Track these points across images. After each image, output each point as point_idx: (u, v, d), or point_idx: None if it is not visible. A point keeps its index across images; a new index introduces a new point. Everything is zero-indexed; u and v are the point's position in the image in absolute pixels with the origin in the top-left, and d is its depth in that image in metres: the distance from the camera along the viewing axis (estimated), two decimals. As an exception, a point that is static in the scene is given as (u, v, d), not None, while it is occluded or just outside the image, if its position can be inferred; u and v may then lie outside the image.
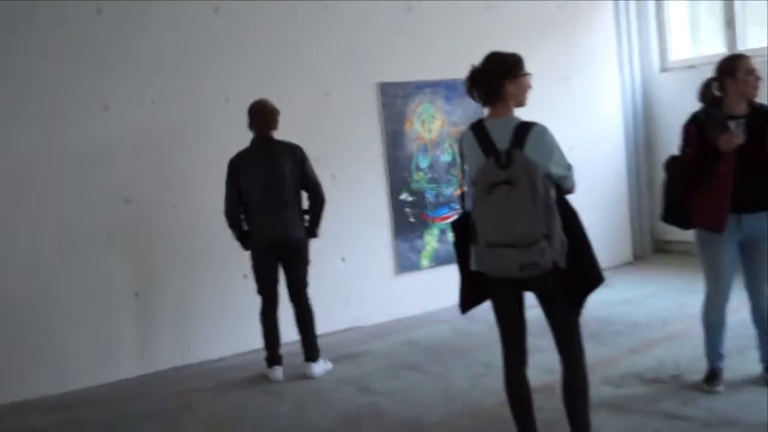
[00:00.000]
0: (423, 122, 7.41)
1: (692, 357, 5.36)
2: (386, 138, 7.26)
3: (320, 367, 5.84)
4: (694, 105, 8.25)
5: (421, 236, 7.43)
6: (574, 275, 3.66)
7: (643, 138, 8.87)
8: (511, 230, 3.51)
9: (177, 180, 6.46)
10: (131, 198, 6.29)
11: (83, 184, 6.11)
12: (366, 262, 7.20)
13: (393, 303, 7.32)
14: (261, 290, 5.87)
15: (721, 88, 4.63)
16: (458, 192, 4.05)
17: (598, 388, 4.84)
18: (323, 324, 6.32)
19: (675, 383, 5.00)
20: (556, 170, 3.64)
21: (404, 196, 7.35)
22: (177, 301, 6.49)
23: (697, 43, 8.84)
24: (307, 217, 5.80)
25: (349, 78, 7.09)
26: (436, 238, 7.50)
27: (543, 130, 3.65)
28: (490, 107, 3.76)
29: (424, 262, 7.47)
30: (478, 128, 3.74)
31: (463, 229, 3.81)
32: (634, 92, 8.83)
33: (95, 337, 6.19)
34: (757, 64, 4.68)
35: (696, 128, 4.62)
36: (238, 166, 5.70)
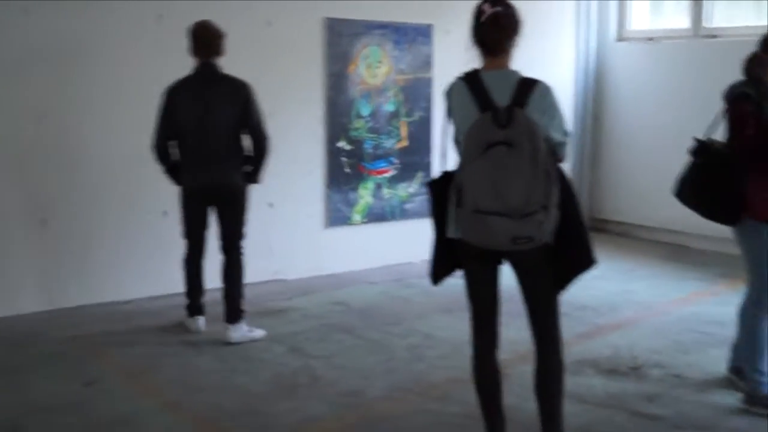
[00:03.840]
0: (368, 66, 6.87)
1: (648, 348, 5.14)
2: (328, 79, 6.68)
3: (241, 331, 5.18)
4: (650, 78, 8.21)
5: (355, 189, 6.93)
6: (565, 254, 3.32)
7: (591, 110, 8.57)
8: (506, 197, 3.11)
9: (98, 101, 5.77)
10: (45, 115, 5.57)
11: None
12: (294, 210, 6.66)
13: (319, 258, 6.82)
14: (186, 234, 5.29)
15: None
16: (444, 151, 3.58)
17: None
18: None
19: (635, 376, 4.71)
20: (556, 135, 3.28)
21: (341, 144, 6.82)
22: (86, 233, 5.82)
23: (658, 16, 8.59)
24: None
25: (295, 9, 6.47)
26: (371, 193, 7.02)
27: (547, 89, 3.28)
28: (491, 58, 3.33)
29: (356, 216, 6.98)
30: (472, 79, 3.32)
31: (443, 191, 3.40)
32: (588, 61, 8.52)
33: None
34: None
35: (753, 107, 4.09)
36: (173, 98, 5.06)
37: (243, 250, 5.26)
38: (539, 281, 3.39)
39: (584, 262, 3.35)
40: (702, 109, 7.76)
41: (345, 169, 6.85)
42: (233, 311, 5.17)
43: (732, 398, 4.32)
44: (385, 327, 5.54)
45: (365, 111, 6.90)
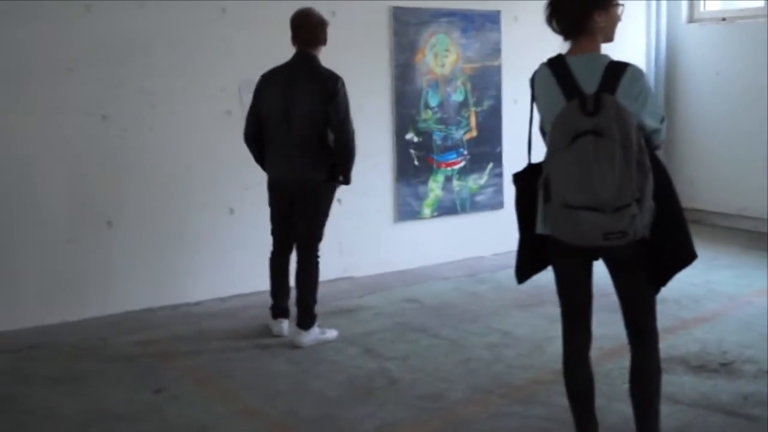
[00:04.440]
0: (436, 55, 6.66)
1: (737, 343, 4.87)
2: (395, 69, 6.50)
3: (311, 336, 4.98)
4: (724, 60, 7.88)
5: (425, 182, 6.74)
6: (663, 249, 3.09)
7: (663, 94, 8.23)
8: (597, 190, 2.89)
9: (161, 98, 5.66)
10: (108, 114, 5.48)
11: (55, 95, 5.30)
12: (363, 205, 6.50)
13: (389, 253, 6.65)
14: (272, 229, 5.12)
15: None
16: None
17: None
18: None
19: (726, 373, 4.46)
20: (650, 122, 3.05)
21: (410, 135, 6.63)
22: (152, 234, 5.71)
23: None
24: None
25: (360, -2, 6.32)
26: (441, 186, 6.82)
27: (639, 73, 3.05)
28: (573, 41, 3.13)
29: (426, 210, 6.79)
30: (557, 65, 3.12)
31: (529, 184, 3.21)
32: (659, 43, 8.18)
33: (58, 269, 5.42)
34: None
35: None
36: (261, 86, 4.94)
37: (318, 253, 5.04)
38: (635, 278, 3.17)
39: (684, 256, 3.13)
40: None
41: (414, 162, 6.67)
42: (305, 316, 4.98)
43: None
44: (460, 325, 5.35)
45: (433, 101, 6.71)
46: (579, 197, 2.93)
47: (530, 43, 7.08)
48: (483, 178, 7.03)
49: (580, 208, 2.93)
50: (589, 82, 2.99)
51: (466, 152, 6.90)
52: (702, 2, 8.19)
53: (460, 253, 6.97)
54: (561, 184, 2.97)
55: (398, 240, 6.72)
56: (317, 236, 5.01)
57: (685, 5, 8.21)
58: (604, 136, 2.90)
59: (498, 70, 6.98)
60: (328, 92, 4.78)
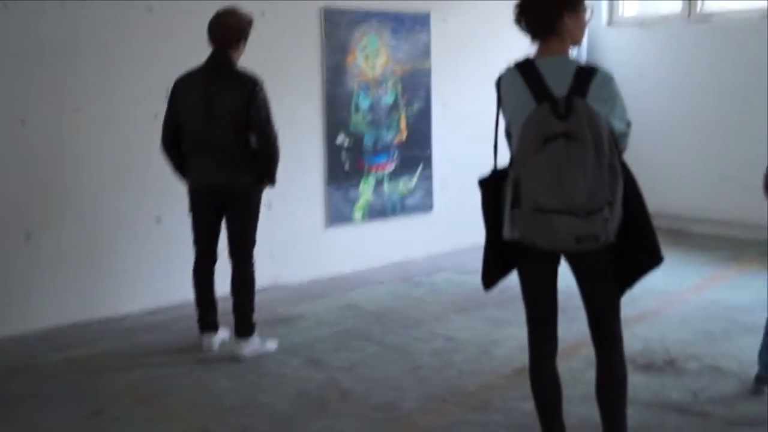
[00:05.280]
0: (367, 57, 6.56)
1: (678, 340, 4.97)
2: (326, 71, 6.36)
3: (252, 346, 4.82)
4: (642, 63, 8.02)
5: (356, 185, 6.62)
6: (631, 252, 3.08)
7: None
8: (569, 194, 2.85)
9: (83, 101, 5.37)
10: (27, 119, 5.16)
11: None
12: (294, 210, 6.34)
13: (321, 259, 6.52)
14: (194, 239, 4.91)
15: None
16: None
17: (589, 372, 4.23)
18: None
19: (672, 370, 4.52)
20: (618, 125, 3.03)
21: (341, 139, 6.50)
22: (75, 245, 5.42)
23: (648, 0, 8.46)
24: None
25: (291, -2, 6.16)
26: (372, 189, 6.72)
27: (609, 77, 3.02)
28: (542, 43, 3.08)
29: (357, 214, 6.68)
30: (526, 67, 3.05)
31: (495, 189, 3.13)
32: (580, 47, 8.27)
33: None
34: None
35: None
36: (176, 90, 4.72)
37: (253, 259, 4.87)
38: (602, 282, 3.14)
39: (651, 260, 3.11)
40: (696, 93, 7.71)
41: (345, 165, 6.54)
42: (243, 325, 4.81)
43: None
44: (403, 331, 5.26)
45: (364, 104, 6.60)
46: (551, 201, 2.88)
47: (459, 45, 7.10)
48: (413, 181, 6.96)
49: (553, 211, 2.89)
50: (559, 85, 2.95)
51: (396, 155, 6.82)
52: (621, 5, 8.33)
53: (392, 257, 6.90)
54: (533, 187, 2.91)
55: (330, 245, 6.59)
56: (251, 241, 4.85)
57: (604, 10, 8.35)
58: (576, 139, 2.86)
59: (428, 72, 6.92)
60: (248, 94, 4.61)
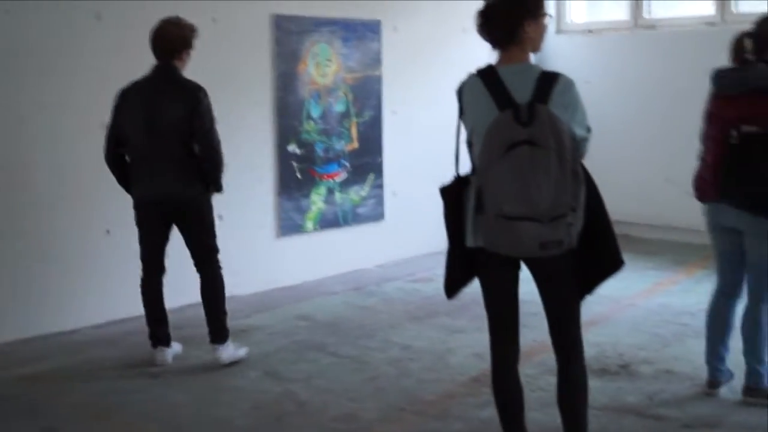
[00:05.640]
0: (318, 65, 6.52)
1: (631, 345, 5.04)
2: (277, 79, 6.31)
3: (229, 351, 4.79)
4: (590, 71, 8.10)
5: (307, 195, 6.57)
6: (591, 257, 3.13)
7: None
8: (534, 200, 2.89)
9: (31, 111, 5.24)
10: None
11: None
12: (245, 221, 6.26)
13: (273, 269, 6.44)
14: (141, 255, 4.84)
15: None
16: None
17: (544, 378, 4.30)
18: (192, 292, 5.31)
19: (626, 374, 4.58)
20: (579, 131, 3.05)
21: (292, 147, 6.45)
22: (22, 258, 5.27)
23: (597, 8, 8.57)
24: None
25: (241, 5, 6.08)
26: (323, 198, 6.67)
27: (570, 83, 3.06)
28: (503, 51, 3.11)
29: (309, 224, 6.63)
30: (488, 75, 3.07)
31: (457, 197, 3.14)
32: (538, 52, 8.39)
33: None
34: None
35: None
36: (121, 101, 4.66)
37: (219, 264, 4.85)
38: (563, 288, 3.18)
39: (612, 264, 3.20)
40: (642, 99, 7.83)
41: (296, 175, 6.49)
42: (217, 331, 4.79)
43: (730, 392, 4.20)
44: (358, 341, 5.23)
45: (316, 112, 6.56)
46: (516, 208, 2.90)
47: (409, 53, 7.11)
48: (364, 190, 6.94)
49: (517, 218, 2.91)
50: (521, 92, 2.97)
51: (347, 164, 6.79)
52: (569, 13, 8.43)
53: (344, 266, 6.85)
54: (497, 194, 2.93)
55: (282, 255, 6.52)
56: (213, 248, 4.83)
57: (553, 17, 8.43)
58: (539, 146, 2.89)
59: (378, 80, 6.91)
60: (191, 103, 4.59)
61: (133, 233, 5.37)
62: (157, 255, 4.83)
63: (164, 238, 4.83)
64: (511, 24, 3.04)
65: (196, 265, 4.80)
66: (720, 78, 4.08)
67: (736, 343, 4.26)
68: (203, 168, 4.67)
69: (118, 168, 4.74)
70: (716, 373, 4.22)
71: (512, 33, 3.05)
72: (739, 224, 3.99)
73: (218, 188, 4.78)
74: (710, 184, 4.04)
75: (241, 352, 4.88)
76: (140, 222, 4.79)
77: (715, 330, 4.22)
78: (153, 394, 4.42)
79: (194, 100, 4.58)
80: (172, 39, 4.62)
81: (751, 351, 4.11)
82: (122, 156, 4.70)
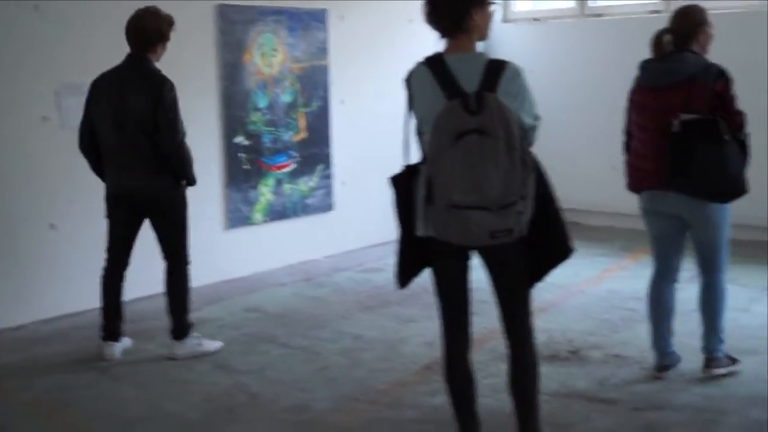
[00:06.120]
0: (263, 55, 6.46)
1: (580, 331, 5.10)
2: (222, 70, 6.24)
3: (187, 348, 4.75)
4: (537, 59, 8.16)
5: (255, 186, 6.51)
6: (541, 245, 3.15)
7: (478, 92, 8.48)
8: (483, 189, 2.90)
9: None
10: None
11: None
12: (193, 213, 6.07)
13: (222, 262, 6.35)
14: (107, 246, 4.77)
15: (692, 42, 4.09)
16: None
17: (495, 365, 4.33)
18: (140, 286, 5.30)
19: (576, 360, 4.63)
20: (527, 119, 3.07)
21: (239, 139, 6.38)
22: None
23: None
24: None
25: (184, -6, 5.98)
26: (272, 190, 6.62)
27: (518, 71, 3.07)
28: (450, 39, 3.11)
29: (258, 216, 6.58)
30: (435, 64, 3.06)
31: (407, 186, 3.14)
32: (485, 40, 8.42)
33: None
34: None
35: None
36: (92, 93, 4.60)
37: (187, 261, 4.82)
38: (514, 275, 3.20)
39: (562, 252, 3.21)
40: (588, 87, 7.91)
41: (244, 166, 6.43)
42: (179, 327, 4.75)
43: (678, 375, 4.28)
44: (309, 332, 5.20)
45: (262, 102, 6.50)
46: (466, 197, 2.91)
47: (356, 42, 7.08)
48: (313, 180, 6.91)
49: (467, 207, 2.92)
50: (469, 80, 2.98)
51: (296, 154, 6.74)
52: (514, 2, 8.47)
53: (294, 258, 6.82)
54: (446, 184, 2.94)
55: (230, 247, 6.46)
56: (182, 244, 4.80)
57: (499, 5, 8.46)
58: (488, 134, 2.90)
59: (325, 69, 6.86)
60: (156, 96, 4.51)
61: (77, 227, 5.32)
62: (123, 249, 4.77)
63: (132, 233, 4.77)
64: (458, 12, 3.04)
65: (167, 259, 4.77)
66: (649, 70, 4.16)
67: (680, 326, 4.35)
68: (170, 163, 4.61)
69: (93, 158, 4.67)
70: (663, 357, 4.30)
71: (459, 21, 3.05)
72: (684, 210, 4.07)
73: (190, 183, 4.75)
74: (651, 173, 4.09)
75: (211, 345, 4.85)
76: (109, 214, 4.74)
77: (657, 314, 4.31)
78: (103, 389, 4.37)
79: (158, 94, 4.50)
80: (148, 31, 4.53)
81: (709, 324, 4.20)
82: (97, 146, 4.63)
